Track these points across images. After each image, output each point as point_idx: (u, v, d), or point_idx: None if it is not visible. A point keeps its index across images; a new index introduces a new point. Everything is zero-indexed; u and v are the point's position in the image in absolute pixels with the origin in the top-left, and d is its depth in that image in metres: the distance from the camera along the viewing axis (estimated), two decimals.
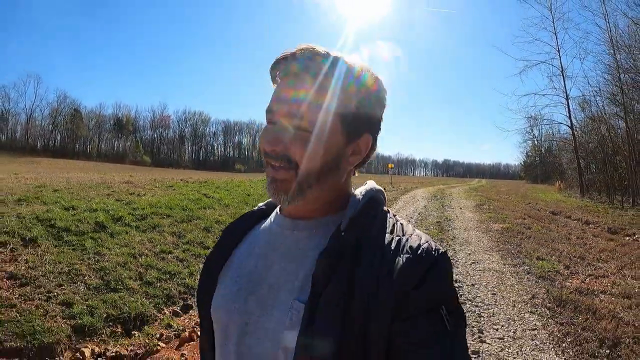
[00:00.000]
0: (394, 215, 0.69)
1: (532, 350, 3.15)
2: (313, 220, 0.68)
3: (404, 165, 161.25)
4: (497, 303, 4.16)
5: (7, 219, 5.02)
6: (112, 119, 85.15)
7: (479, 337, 3.36)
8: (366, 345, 0.57)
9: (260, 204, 0.82)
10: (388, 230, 0.64)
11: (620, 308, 4.04)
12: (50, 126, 77.40)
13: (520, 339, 3.35)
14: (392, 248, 0.61)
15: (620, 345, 3.30)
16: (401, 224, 0.67)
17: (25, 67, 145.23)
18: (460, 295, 4.25)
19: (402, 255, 0.60)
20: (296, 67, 0.63)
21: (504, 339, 3.34)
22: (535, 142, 35.80)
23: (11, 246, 4.29)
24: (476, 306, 4.05)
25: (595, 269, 5.54)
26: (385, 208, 0.70)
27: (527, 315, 3.86)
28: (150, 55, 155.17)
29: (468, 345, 2.29)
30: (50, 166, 34.40)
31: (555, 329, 3.55)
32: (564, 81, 19.87)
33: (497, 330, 3.52)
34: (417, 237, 0.63)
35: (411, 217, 10.05)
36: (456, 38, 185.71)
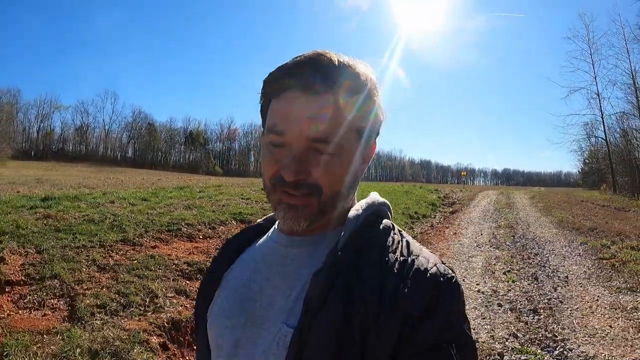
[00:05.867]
0: (400, 232, 0.63)
1: (548, 229, 9.43)
2: (309, 237, 0.62)
3: None
4: (535, 224, 10.48)
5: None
6: (183, 132, 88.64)
7: (529, 228, 9.70)
8: None
9: (260, 220, 0.77)
10: (391, 249, 0.58)
11: (589, 225, 9.96)
12: (126, 139, 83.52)
13: (544, 226, 9.63)
14: (396, 270, 0.55)
15: (595, 230, 9.23)
16: (407, 241, 0.60)
17: (103, 85, 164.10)
18: (527, 224, 10.41)
19: (406, 280, 0.53)
20: (315, 79, 0.55)
21: (536, 230, 9.56)
22: (592, 149, 36.40)
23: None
24: (527, 223, 10.35)
25: (589, 219, 11.41)
26: (389, 223, 0.63)
27: (548, 225, 10.21)
28: (217, 72, 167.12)
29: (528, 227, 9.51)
30: (139, 175, 35.44)
31: (557, 226, 9.82)
32: (600, 102, 25.18)
33: (536, 226, 9.86)
34: (425, 260, 0.56)
35: (489, 203, 16.52)
36: (509, 61, 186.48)
